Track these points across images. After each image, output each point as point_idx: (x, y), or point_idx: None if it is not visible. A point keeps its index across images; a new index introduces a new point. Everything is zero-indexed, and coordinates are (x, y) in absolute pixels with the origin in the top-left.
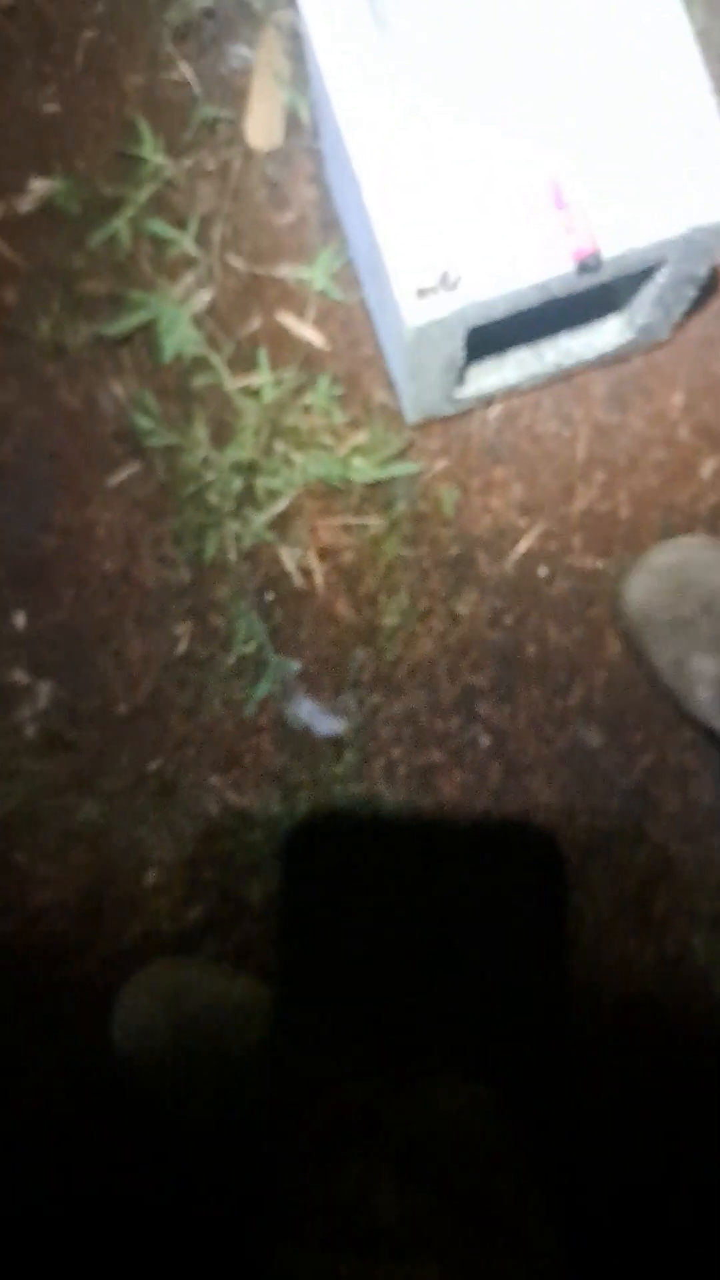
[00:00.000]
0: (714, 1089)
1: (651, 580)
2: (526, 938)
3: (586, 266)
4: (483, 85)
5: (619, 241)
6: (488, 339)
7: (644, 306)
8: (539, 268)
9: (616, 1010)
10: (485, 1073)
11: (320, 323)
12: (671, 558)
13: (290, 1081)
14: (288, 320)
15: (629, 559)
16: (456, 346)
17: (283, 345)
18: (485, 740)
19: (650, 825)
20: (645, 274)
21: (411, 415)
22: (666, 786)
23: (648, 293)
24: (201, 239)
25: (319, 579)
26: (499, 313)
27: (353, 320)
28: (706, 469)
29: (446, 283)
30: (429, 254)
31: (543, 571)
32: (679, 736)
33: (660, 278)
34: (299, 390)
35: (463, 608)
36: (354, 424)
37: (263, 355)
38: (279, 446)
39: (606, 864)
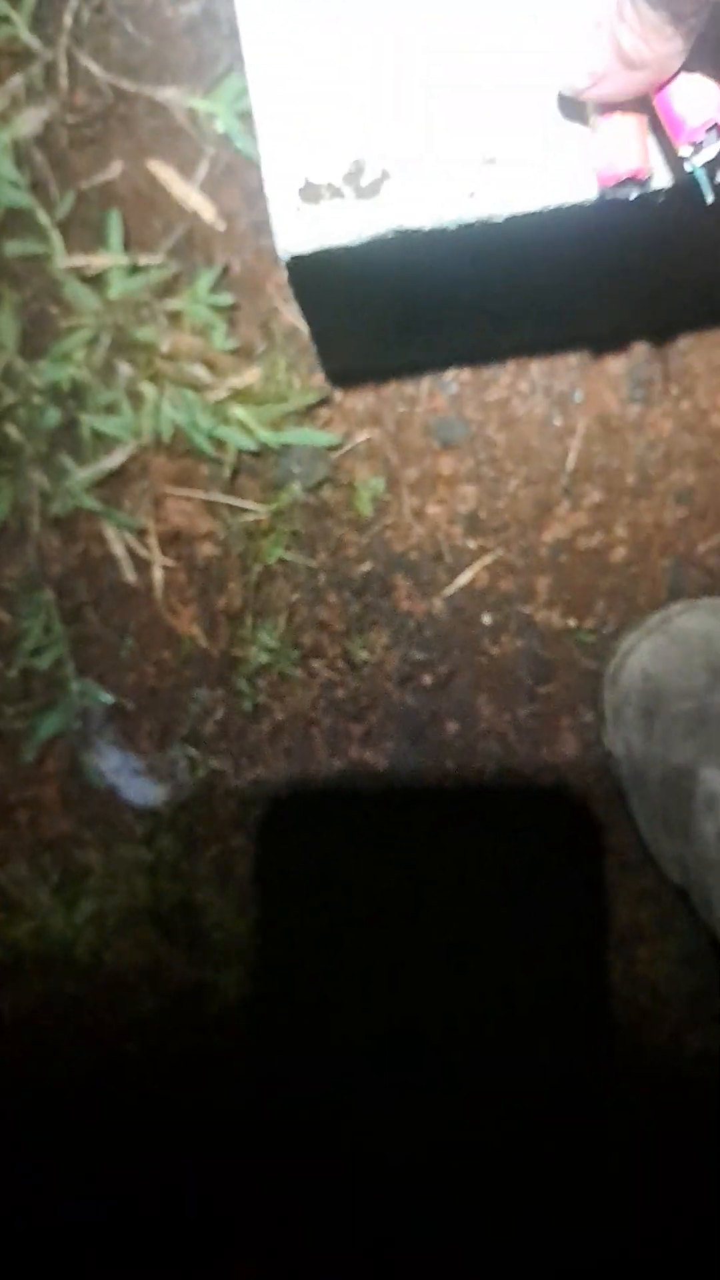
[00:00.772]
0: None
1: (671, 649)
2: None
3: (631, 188)
4: None
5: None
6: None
7: None
8: (542, 188)
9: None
10: None
11: (214, 186)
12: (698, 623)
13: None
14: (164, 174)
15: (614, 622)
16: (378, 291)
17: (150, 212)
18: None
19: None
20: None
21: (328, 364)
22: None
23: None
24: (42, 23)
25: (158, 576)
26: (447, 254)
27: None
28: None
29: (359, 181)
30: (333, 126)
31: (487, 620)
32: (643, 888)
33: None
34: (166, 287)
35: (364, 652)
36: (243, 354)
37: (115, 222)
38: (123, 369)
39: None
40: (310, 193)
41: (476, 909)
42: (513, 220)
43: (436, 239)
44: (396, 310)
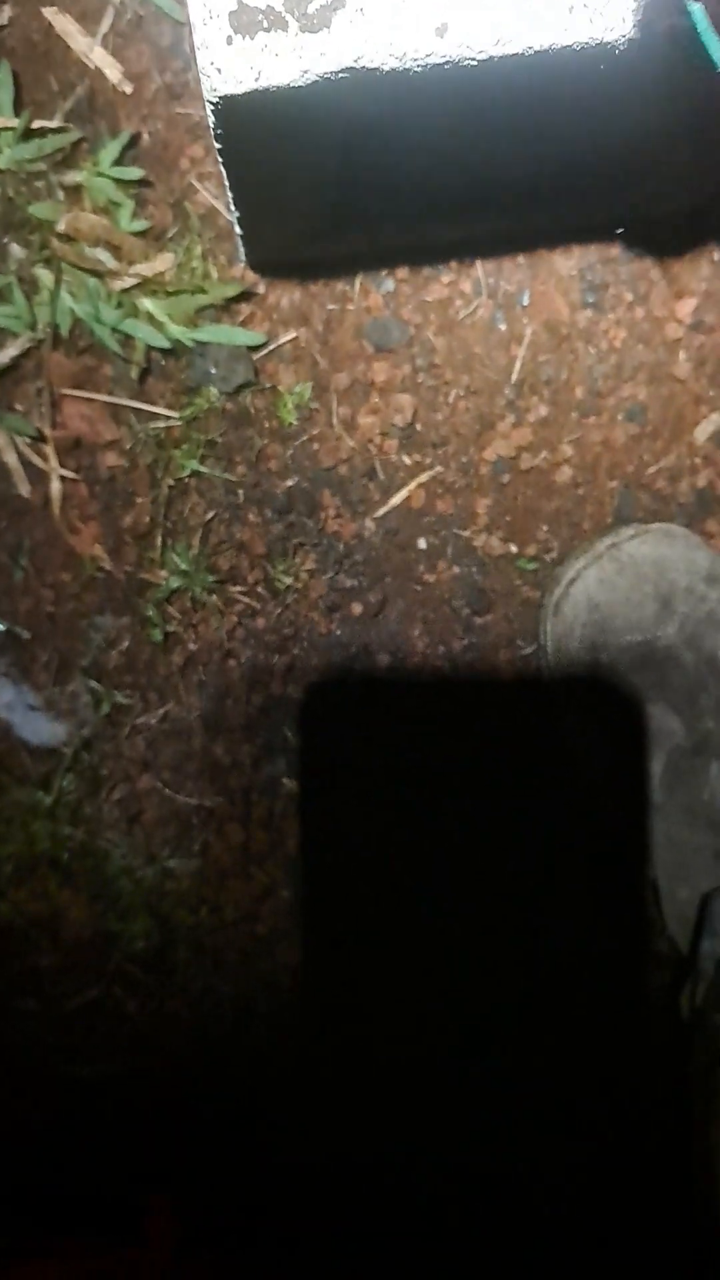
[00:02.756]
0: None
1: (619, 577)
2: None
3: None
4: None
5: None
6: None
7: None
8: (527, 27)
9: None
10: None
11: (121, 41)
12: (649, 549)
13: None
14: (62, 23)
15: (558, 549)
16: (320, 154)
17: (45, 69)
18: (289, 789)
19: None
20: None
21: (251, 252)
22: None
23: None
24: None
25: (55, 489)
26: (404, 106)
27: (191, 46)
28: (704, 429)
29: (305, 7)
30: None
31: (423, 544)
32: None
33: None
34: (66, 156)
35: (287, 578)
36: (153, 238)
37: (4, 77)
38: (14, 251)
39: None
40: (246, 20)
41: (400, 852)
42: (488, 65)
43: (395, 84)
44: (334, 182)
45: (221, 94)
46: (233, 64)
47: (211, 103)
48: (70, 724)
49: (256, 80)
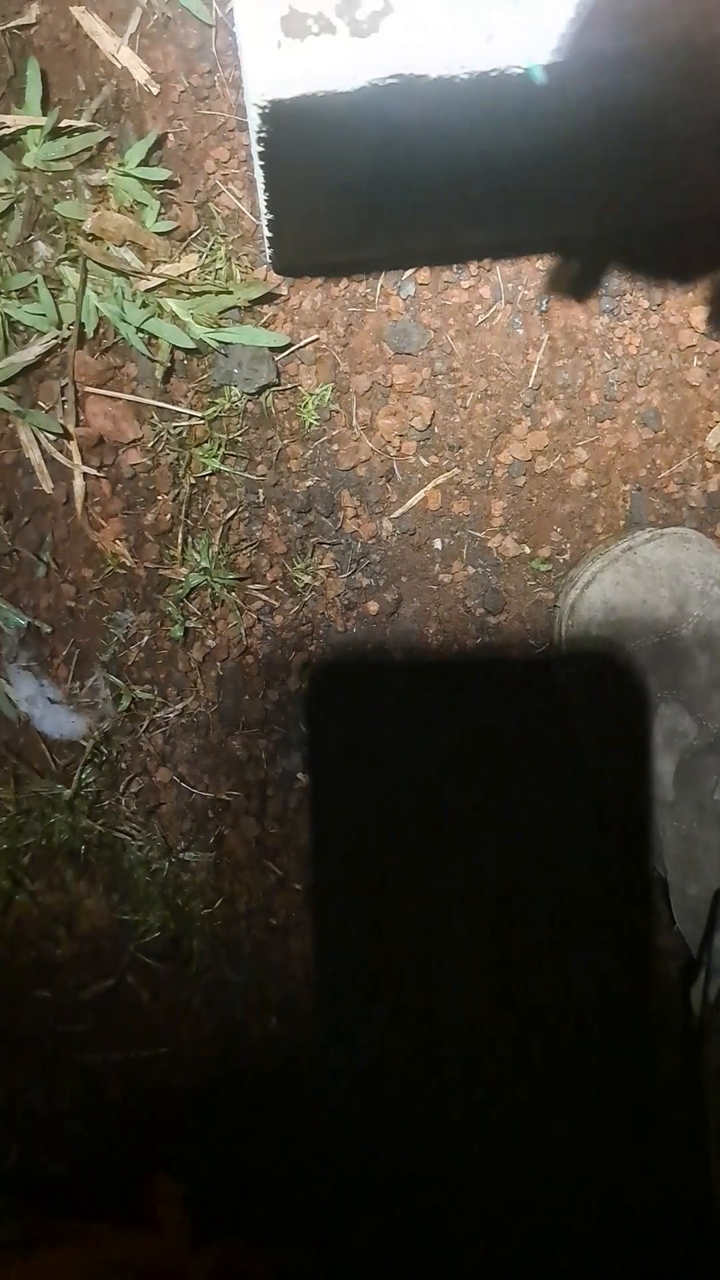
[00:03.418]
0: None
1: (635, 580)
2: None
3: None
4: None
5: None
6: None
7: None
8: (574, 35)
9: None
10: None
11: (148, 42)
12: (664, 552)
13: None
14: (90, 23)
15: (571, 551)
16: (359, 159)
17: (72, 68)
18: (304, 784)
19: None
20: None
21: (278, 255)
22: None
23: None
24: None
25: (79, 486)
26: (449, 113)
27: (218, 48)
28: (716, 435)
29: (354, 13)
30: None
31: (439, 544)
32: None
33: None
34: (92, 156)
35: (305, 576)
36: (179, 238)
37: (33, 74)
38: (40, 248)
39: None
40: (295, 24)
41: (412, 846)
42: (534, 73)
43: (440, 91)
44: (367, 187)
45: (270, 98)
46: (281, 68)
47: (259, 106)
48: (90, 718)
49: (304, 85)
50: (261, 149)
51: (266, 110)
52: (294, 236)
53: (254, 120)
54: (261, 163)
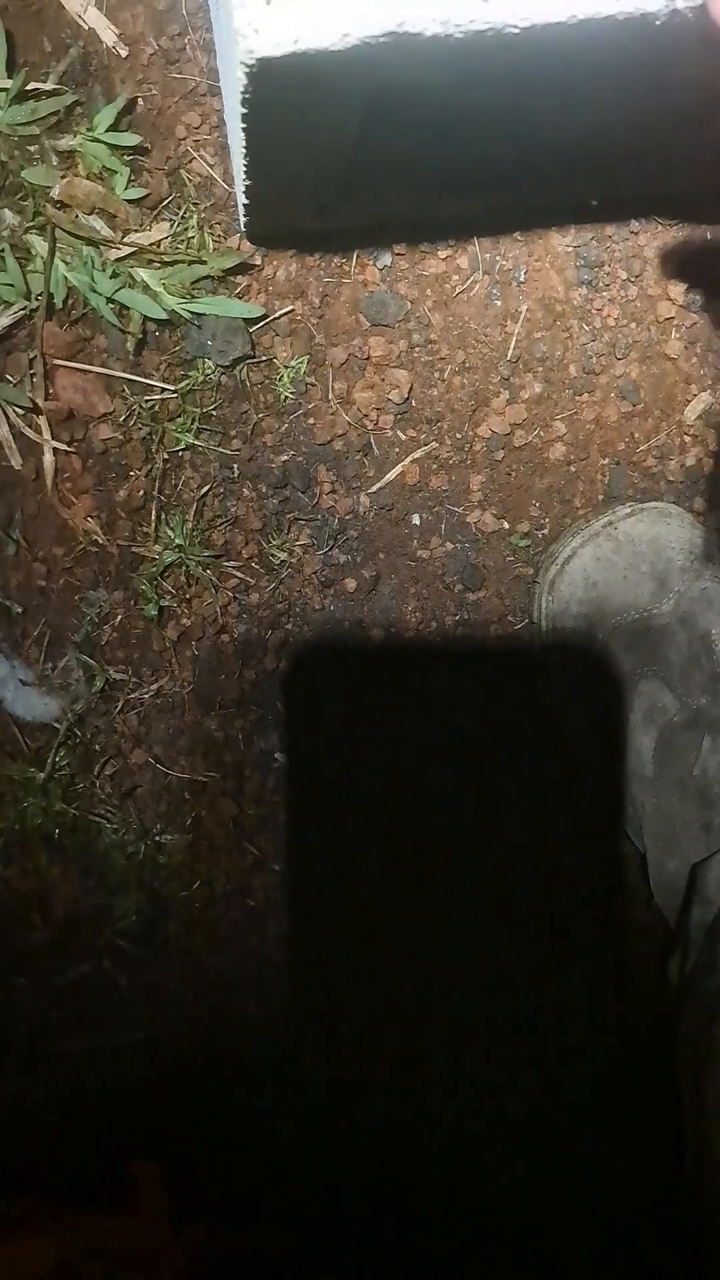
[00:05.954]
0: None
1: (616, 555)
2: None
3: None
4: None
5: None
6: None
7: None
8: None
9: None
10: None
11: (122, 1)
12: (645, 527)
13: None
14: None
15: (550, 526)
16: (345, 121)
17: (40, 28)
18: (281, 764)
19: None
20: None
21: (253, 223)
22: None
23: None
24: None
25: (48, 461)
26: (440, 74)
27: (189, 10)
28: (694, 408)
29: None
30: None
31: (416, 520)
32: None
33: None
34: (60, 120)
35: (282, 553)
36: (151, 206)
37: None
38: (7, 216)
39: None
40: None
41: (391, 825)
42: (530, 32)
43: (434, 50)
44: (353, 149)
45: (259, 56)
46: (272, 25)
47: (247, 65)
48: (63, 699)
49: (295, 43)
50: (246, 110)
51: (254, 69)
52: (271, 203)
53: (239, 80)
54: (244, 125)
